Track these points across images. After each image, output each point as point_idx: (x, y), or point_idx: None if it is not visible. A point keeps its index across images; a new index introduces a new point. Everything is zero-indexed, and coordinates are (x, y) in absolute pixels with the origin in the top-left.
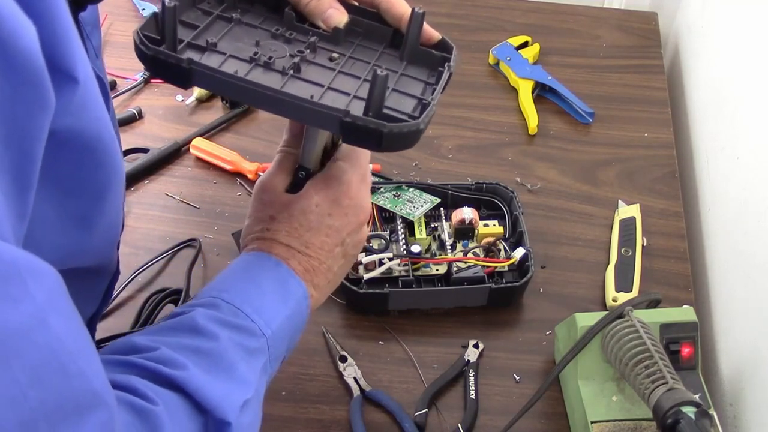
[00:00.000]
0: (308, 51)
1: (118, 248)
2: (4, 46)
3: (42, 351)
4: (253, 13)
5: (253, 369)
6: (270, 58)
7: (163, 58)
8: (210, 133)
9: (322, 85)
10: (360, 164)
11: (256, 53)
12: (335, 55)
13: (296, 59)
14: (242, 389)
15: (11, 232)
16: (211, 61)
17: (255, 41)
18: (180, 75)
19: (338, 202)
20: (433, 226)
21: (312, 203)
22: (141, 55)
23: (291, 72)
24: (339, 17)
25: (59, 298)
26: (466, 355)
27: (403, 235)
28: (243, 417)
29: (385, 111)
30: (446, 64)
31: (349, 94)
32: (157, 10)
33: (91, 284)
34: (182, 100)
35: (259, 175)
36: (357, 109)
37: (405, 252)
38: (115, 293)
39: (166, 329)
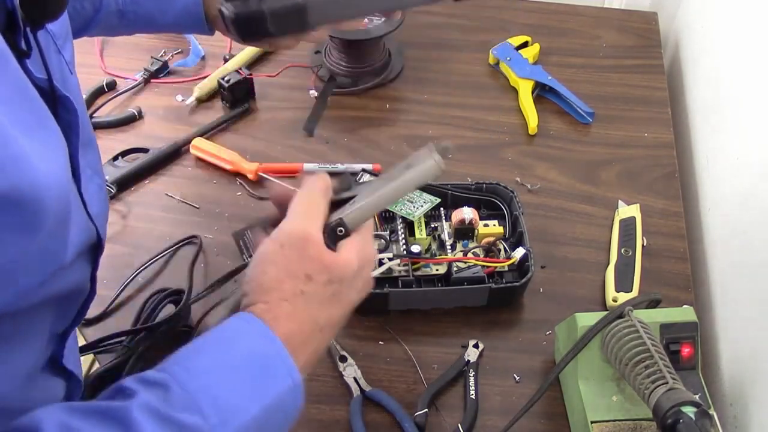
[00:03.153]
0: None
1: (95, 270)
2: None
3: None
4: None
5: None
6: None
7: (279, 5)
8: (210, 133)
9: None
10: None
11: None
12: None
13: None
14: None
15: None
16: None
17: None
18: (300, 15)
19: (364, 267)
20: (433, 226)
21: (349, 268)
22: (257, 20)
23: None
24: None
25: None
26: (466, 355)
27: (403, 235)
28: None
29: None
30: None
31: None
32: None
33: (65, 305)
34: (182, 100)
35: (260, 175)
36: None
37: (405, 252)
38: (115, 293)
39: (89, 413)
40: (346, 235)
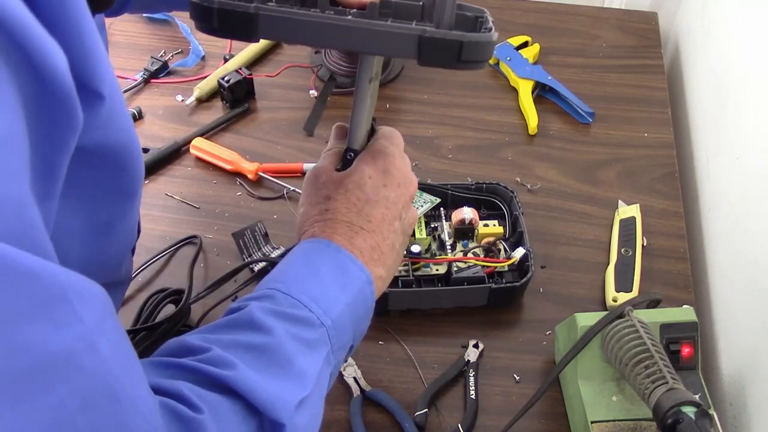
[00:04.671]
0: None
1: (133, 253)
2: (35, 68)
3: (90, 375)
4: None
5: (312, 362)
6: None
7: (229, 8)
8: (210, 133)
9: (385, 19)
10: (398, 142)
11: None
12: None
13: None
14: (298, 387)
15: (52, 248)
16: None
17: None
18: (247, 23)
19: (388, 172)
20: (433, 226)
21: (365, 175)
22: (205, 12)
23: (351, 12)
24: None
25: (108, 318)
26: (466, 355)
27: None
28: (298, 417)
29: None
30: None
31: (411, 23)
32: None
33: (113, 296)
34: (182, 100)
35: (259, 175)
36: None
37: (405, 252)
38: None
39: (221, 327)
40: (357, 156)
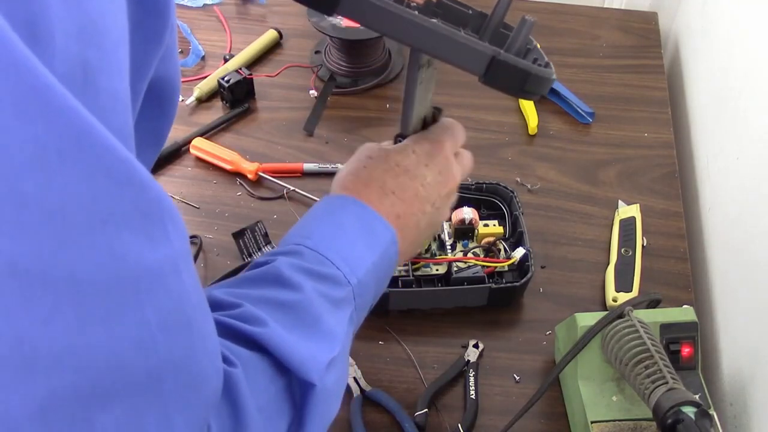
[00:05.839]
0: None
1: None
2: None
3: (173, 298)
4: None
5: (339, 321)
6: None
7: None
8: (210, 133)
9: (457, 29)
10: (456, 137)
11: None
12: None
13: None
14: (328, 346)
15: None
16: None
17: None
18: None
19: (433, 155)
20: None
21: (409, 150)
22: None
23: (428, 10)
24: None
25: (188, 252)
26: (466, 355)
27: None
28: (328, 377)
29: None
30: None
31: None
32: None
33: None
34: (182, 100)
35: (259, 175)
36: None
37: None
38: None
39: (248, 280)
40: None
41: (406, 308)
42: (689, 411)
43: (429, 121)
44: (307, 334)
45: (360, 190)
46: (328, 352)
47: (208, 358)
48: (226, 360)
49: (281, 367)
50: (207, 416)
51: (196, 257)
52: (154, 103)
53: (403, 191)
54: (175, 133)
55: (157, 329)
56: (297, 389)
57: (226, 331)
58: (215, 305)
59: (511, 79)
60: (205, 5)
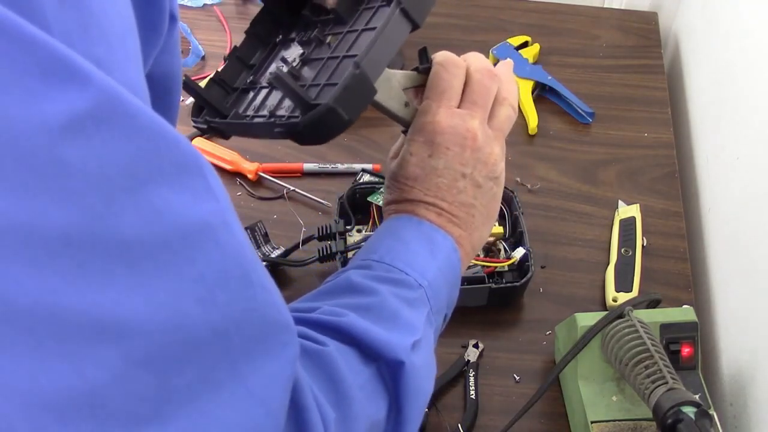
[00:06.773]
0: (314, 46)
1: None
2: None
3: (226, 252)
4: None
5: (417, 316)
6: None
7: (197, 126)
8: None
9: (303, 85)
10: (442, 90)
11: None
12: (330, 38)
13: (295, 63)
14: (409, 333)
15: None
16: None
17: (281, 57)
18: (219, 133)
19: (431, 140)
20: None
21: (406, 155)
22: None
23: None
24: None
25: (232, 207)
26: (466, 355)
27: None
28: (415, 356)
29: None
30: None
31: (319, 85)
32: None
33: None
34: (182, 100)
35: (259, 175)
36: (325, 95)
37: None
38: None
39: (322, 293)
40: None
41: None
42: (689, 411)
43: (422, 70)
44: (386, 326)
45: (406, 210)
46: (410, 337)
47: (273, 309)
48: (316, 341)
49: (368, 355)
50: (285, 372)
51: None
52: (158, 100)
53: (428, 195)
54: None
55: (215, 284)
56: (386, 373)
57: (309, 323)
58: (291, 310)
59: (295, 137)
60: (205, 5)
